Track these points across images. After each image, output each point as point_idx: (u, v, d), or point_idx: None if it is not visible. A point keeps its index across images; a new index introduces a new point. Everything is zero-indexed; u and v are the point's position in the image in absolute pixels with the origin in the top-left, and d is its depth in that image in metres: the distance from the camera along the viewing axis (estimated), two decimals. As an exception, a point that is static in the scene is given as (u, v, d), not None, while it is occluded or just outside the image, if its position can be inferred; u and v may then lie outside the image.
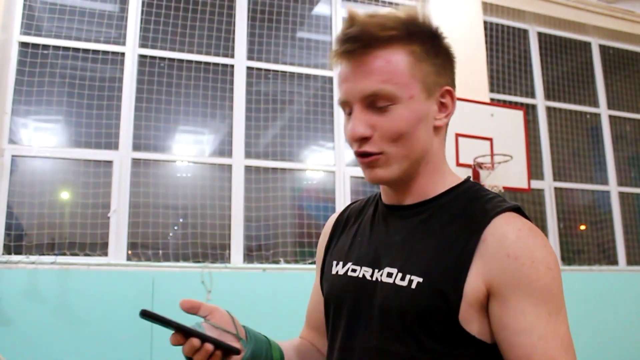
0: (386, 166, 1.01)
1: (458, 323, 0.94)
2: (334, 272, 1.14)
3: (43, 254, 4.41)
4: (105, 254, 4.60)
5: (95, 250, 4.59)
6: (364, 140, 1.00)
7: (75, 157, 4.70)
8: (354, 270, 1.09)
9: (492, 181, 5.29)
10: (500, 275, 0.93)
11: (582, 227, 6.25)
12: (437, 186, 1.07)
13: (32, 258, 4.26)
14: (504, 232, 0.97)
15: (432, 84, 1.03)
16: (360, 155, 1.02)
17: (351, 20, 1.01)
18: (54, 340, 4.10)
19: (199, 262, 4.64)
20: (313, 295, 1.29)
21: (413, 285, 0.97)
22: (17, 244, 4.46)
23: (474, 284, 0.94)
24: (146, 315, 0.90)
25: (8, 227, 4.47)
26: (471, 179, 1.12)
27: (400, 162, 1.01)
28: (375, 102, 0.99)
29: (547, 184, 6.07)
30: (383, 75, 0.98)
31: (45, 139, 4.76)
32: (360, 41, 0.99)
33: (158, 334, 4.29)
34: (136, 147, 4.84)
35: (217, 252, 4.85)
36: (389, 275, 1.02)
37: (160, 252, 4.74)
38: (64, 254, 4.49)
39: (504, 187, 5.34)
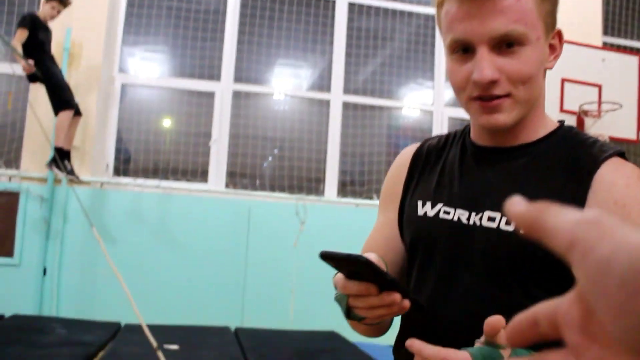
0: (510, 110, 0.95)
1: (568, 270, 0.92)
2: (420, 212, 1.08)
3: (148, 178, 4.67)
4: (205, 181, 4.81)
5: (196, 177, 4.81)
6: (491, 83, 0.94)
7: (179, 87, 4.88)
8: (446, 212, 1.04)
9: (598, 130, 5.04)
10: None
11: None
12: (539, 130, 1.03)
13: (139, 181, 4.53)
14: (613, 178, 0.93)
15: (550, 25, 0.98)
16: (485, 98, 0.95)
17: None
18: (156, 257, 4.38)
19: (294, 193, 4.77)
20: (380, 234, 1.16)
21: (522, 230, 0.95)
22: (125, 167, 4.75)
23: None
24: (326, 257, 0.75)
25: (117, 151, 4.76)
26: (571, 124, 1.06)
27: (523, 106, 0.97)
28: (503, 44, 0.93)
29: (658, 137, 5.71)
30: (515, 14, 0.92)
31: (151, 69, 4.97)
32: None
33: (252, 259, 4.49)
34: (237, 79, 4.95)
35: (312, 185, 4.95)
36: (491, 219, 0.98)
37: (257, 181, 4.90)
38: (167, 179, 4.74)
39: (610, 137, 5.08)
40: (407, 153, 1.18)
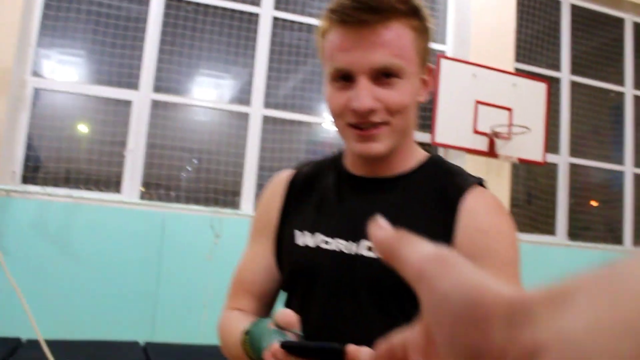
0: (385, 139, 1.01)
1: None
2: (300, 243, 1.10)
3: (58, 187, 4.51)
4: (119, 192, 4.69)
5: (109, 187, 4.68)
6: (369, 112, 0.99)
7: (96, 94, 4.75)
8: (326, 243, 1.07)
9: (508, 152, 5.27)
10: (470, 247, 0.99)
11: (594, 204, 6.23)
12: (411, 160, 1.10)
13: (48, 190, 4.36)
14: (475, 207, 1.03)
15: (423, 61, 1.06)
16: (361, 127, 1.00)
17: None
18: (61, 271, 4.22)
19: (209, 206, 4.72)
20: (255, 263, 1.17)
21: None
22: (34, 175, 4.56)
23: None
24: (286, 347, 0.77)
25: (27, 158, 4.57)
26: (437, 155, 1.15)
27: (398, 135, 1.03)
28: (382, 75, 0.99)
29: (563, 159, 6.04)
30: (395, 48, 0.98)
31: (67, 74, 4.81)
32: (378, 12, 0.97)
33: (165, 272, 4.41)
34: (157, 89, 4.87)
35: (228, 199, 4.92)
36: (370, 248, 1.03)
37: (173, 193, 4.82)
38: (79, 189, 4.58)
39: (518, 159, 5.33)
40: (281, 180, 1.20)
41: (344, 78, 1.01)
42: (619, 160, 6.36)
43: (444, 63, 5.18)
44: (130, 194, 4.69)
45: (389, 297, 1.01)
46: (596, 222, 6.21)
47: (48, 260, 4.19)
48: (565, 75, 6.16)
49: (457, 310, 0.26)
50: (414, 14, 1.02)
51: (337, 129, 1.07)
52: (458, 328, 0.26)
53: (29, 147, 4.60)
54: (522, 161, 5.43)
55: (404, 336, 0.35)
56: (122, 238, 4.37)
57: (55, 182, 4.57)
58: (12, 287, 3.00)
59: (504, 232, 1.00)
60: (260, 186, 4.99)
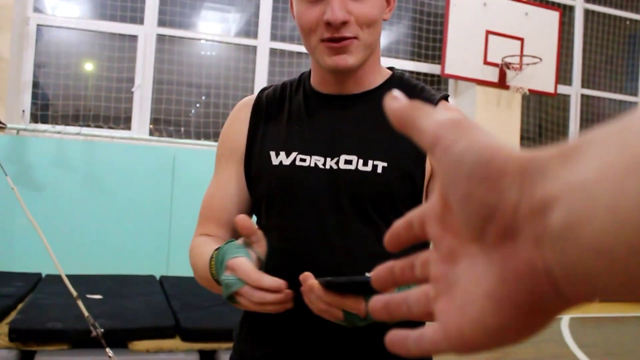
0: (356, 52, 1.02)
1: (422, 202, 1.02)
2: (275, 162, 1.09)
3: (68, 125, 4.51)
4: (129, 128, 4.69)
5: (119, 124, 4.68)
6: (342, 24, 1.00)
7: (100, 30, 4.68)
8: (302, 160, 1.07)
9: (519, 82, 5.21)
10: None
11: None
12: (377, 76, 1.12)
13: (58, 128, 4.36)
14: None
15: None
16: (335, 40, 1.01)
17: None
18: (80, 206, 4.28)
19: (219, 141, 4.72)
20: (222, 189, 1.15)
21: (379, 170, 1.03)
22: (43, 113, 4.55)
23: (428, 166, 1.04)
24: (330, 285, 0.79)
25: (34, 96, 4.55)
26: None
27: (366, 49, 1.04)
28: None
29: (575, 90, 5.96)
30: None
31: (70, 9, 4.72)
32: None
33: (177, 207, 4.46)
34: (161, 23, 4.79)
35: (238, 133, 4.91)
36: (348, 162, 1.04)
37: (182, 129, 4.82)
38: (89, 126, 4.58)
39: (529, 90, 5.26)
40: (245, 105, 1.18)
41: None
42: (633, 91, 6.27)
43: (454, -8, 5.05)
44: (140, 130, 4.69)
45: (370, 207, 1.04)
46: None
47: (63, 197, 4.24)
48: (579, 3, 5.99)
49: (471, 169, 0.27)
50: None
51: (307, 46, 1.06)
52: (472, 186, 0.27)
53: (36, 85, 4.57)
54: (533, 92, 5.37)
55: (420, 210, 0.35)
56: (134, 174, 4.39)
57: (65, 120, 4.57)
58: (29, 223, 3.05)
59: None
60: (269, 121, 4.97)
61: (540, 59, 5.16)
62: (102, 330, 2.60)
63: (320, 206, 1.05)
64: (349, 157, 1.05)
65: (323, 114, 1.10)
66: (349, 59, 1.02)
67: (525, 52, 5.23)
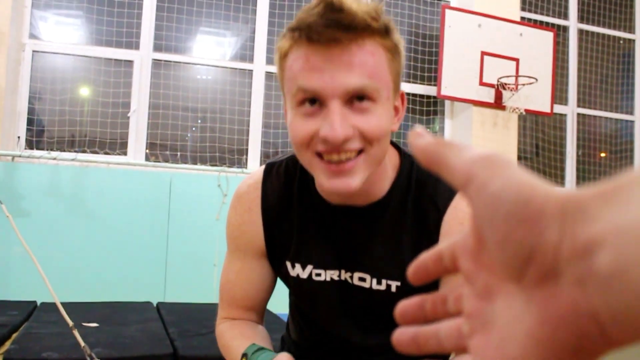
0: (359, 171, 0.90)
1: None
2: (293, 274, 1.08)
3: (64, 151, 4.48)
4: (125, 153, 4.67)
5: (115, 149, 4.65)
6: (343, 142, 0.87)
7: (96, 55, 4.68)
8: (318, 275, 1.06)
9: (515, 103, 5.21)
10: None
11: (603, 155, 6.19)
12: (384, 184, 1.03)
13: (54, 154, 4.33)
14: (454, 213, 1.00)
15: (397, 86, 0.97)
16: (334, 161, 0.89)
17: (337, 3, 0.86)
18: (75, 232, 4.24)
19: (216, 165, 4.70)
20: (244, 279, 1.13)
21: (393, 289, 1.00)
22: (38, 139, 4.53)
23: None
24: None
25: (30, 122, 4.53)
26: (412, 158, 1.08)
27: (373, 165, 0.93)
28: (355, 100, 0.88)
29: (571, 110, 5.97)
30: (369, 69, 0.87)
31: (65, 35, 4.73)
32: (351, 29, 0.85)
33: (174, 233, 4.42)
34: (157, 48, 4.79)
35: (235, 157, 4.90)
36: (362, 279, 1.03)
37: (179, 153, 4.80)
38: (84, 152, 4.56)
39: (525, 110, 5.27)
40: (253, 204, 1.12)
41: (311, 102, 0.89)
42: (629, 110, 6.29)
43: (448, 14, 5.07)
44: (136, 155, 4.66)
45: (388, 320, 1.02)
46: (605, 174, 6.18)
47: (58, 224, 4.20)
48: (572, 23, 6.04)
49: (509, 209, 0.26)
50: (386, 34, 0.91)
51: (301, 160, 0.95)
52: (511, 227, 0.26)
53: (32, 111, 4.55)
54: (530, 112, 5.38)
55: (453, 243, 0.35)
56: (131, 200, 4.36)
57: (60, 146, 4.54)
58: (24, 251, 3.01)
59: None
60: (265, 143, 4.96)
61: (536, 79, 5.18)
62: (99, 360, 2.55)
63: (339, 317, 1.07)
64: (362, 275, 1.03)
65: (333, 226, 1.05)
66: (352, 182, 0.90)
67: (520, 73, 5.25)
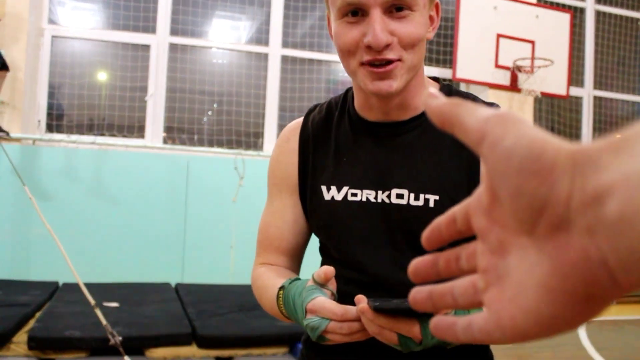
0: (400, 75, 0.97)
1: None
2: (327, 197, 1.08)
3: (83, 134, 4.55)
4: (142, 137, 4.73)
5: (133, 133, 4.72)
6: (385, 47, 0.94)
7: (114, 40, 4.73)
8: (354, 195, 1.06)
9: (530, 85, 5.19)
10: None
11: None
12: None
13: (73, 137, 4.41)
14: None
15: None
16: (377, 64, 0.96)
17: None
18: (95, 214, 4.32)
19: (232, 148, 4.75)
20: (279, 218, 1.16)
21: (431, 204, 1.00)
22: (58, 123, 4.60)
23: None
24: (379, 309, 0.79)
25: (50, 106, 4.60)
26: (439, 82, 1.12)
27: (410, 71, 0.99)
28: (394, 8, 0.95)
29: (587, 92, 5.93)
30: None
31: (83, 20, 4.77)
32: None
33: (192, 215, 4.48)
34: (173, 32, 4.83)
35: (251, 140, 4.94)
36: (399, 196, 1.02)
37: (195, 136, 4.85)
38: (103, 135, 4.63)
39: (541, 93, 5.25)
40: (292, 133, 1.17)
41: (354, 13, 0.96)
42: (646, 92, 6.23)
43: (464, -4, 5.05)
44: (154, 138, 4.72)
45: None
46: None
47: (79, 206, 4.28)
48: (589, 5, 5.97)
49: (521, 163, 0.27)
50: None
51: (347, 69, 1.01)
52: (523, 180, 0.27)
53: (51, 95, 4.62)
54: (545, 95, 5.35)
55: (464, 204, 0.36)
56: (149, 182, 4.43)
57: (79, 129, 4.61)
58: (45, 233, 3.08)
59: None
60: (281, 126, 4.99)
61: (552, 62, 5.15)
62: (121, 338, 2.62)
63: (374, 241, 1.05)
64: (400, 191, 1.03)
65: (371, 145, 1.07)
66: (393, 84, 0.97)
67: (536, 55, 5.22)
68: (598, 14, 6.02)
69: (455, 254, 0.37)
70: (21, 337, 2.93)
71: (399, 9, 0.95)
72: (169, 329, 3.08)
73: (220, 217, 4.47)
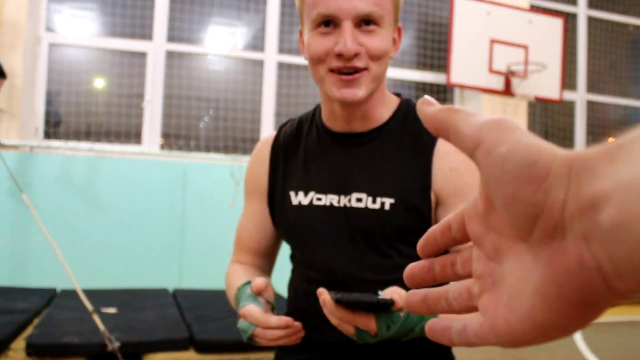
0: (365, 84, 1.05)
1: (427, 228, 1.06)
2: (295, 202, 1.17)
3: (80, 141, 4.57)
4: (139, 143, 4.75)
5: (130, 139, 4.74)
6: (354, 56, 1.03)
7: (111, 47, 4.76)
8: (319, 199, 1.14)
9: (524, 90, 5.24)
10: (445, 187, 1.08)
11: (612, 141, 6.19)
12: (384, 112, 1.15)
13: (70, 144, 4.43)
14: (447, 149, 1.10)
15: (396, 20, 1.11)
16: (345, 72, 1.03)
17: None
18: (92, 221, 4.33)
19: (229, 154, 4.78)
20: (250, 221, 1.27)
21: (386, 207, 1.08)
22: (55, 130, 4.63)
23: (433, 197, 1.08)
24: (338, 301, 0.82)
25: (47, 113, 4.62)
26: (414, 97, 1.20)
27: (375, 82, 1.07)
28: (363, 23, 1.03)
29: (580, 96, 5.98)
30: None
31: (81, 28, 4.80)
32: None
33: (189, 221, 4.50)
34: (170, 39, 4.86)
35: (247, 146, 4.97)
36: (359, 200, 1.10)
37: (192, 142, 4.88)
38: (100, 142, 4.65)
39: (535, 97, 5.29)
40: (265, 144, 1.26)
41: (327, 24, 1.04)
42: (639, 96, 6.28)
43: (457, 1, 5.09)
44: (151, 145, 4.75)
45: (382, 241, 1.10)
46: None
47: (76, 212, 4.30)
48: (582, 10, 6.03)
49: (517, 169, 0.27)
50: None
51: (315, 77, 1.09)
52: (519, 186, 0.27)
53: (49, 102, 4.65)
54: (539, 99, 5.40)
55: (459, 212, 0.36)
56: (146, 189, 4.45)
57: (77, 136, 4.64)
58: (42, 239, 3.10)
59: (473, 168, 1.06)
60: (277, 133, 5.03)
61: (545, 66, 5.20)
62: (119, 343, 2.64)
63: (336, 242, 1.13)
64: (359, 195, 1.10)
65: (335, 153, 1.15)
66: (358, 92, 1.04)
67: (529, 60, 5.27)
68: (590, 19, 6.07)
69: (451, 260, 0.37)
70: (19, 343, 2.94)
71: (367, 22, 1.04)
72: (167, 334, 3.09)
73: (218, 223, 4.49)
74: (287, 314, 1.22)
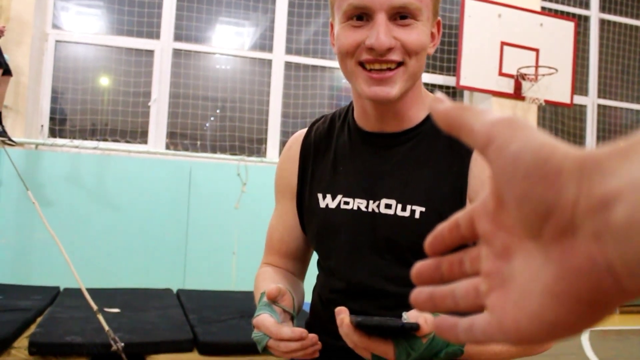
0: (399, 82, 0.97)
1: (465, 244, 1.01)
2: (322, 205, 1.11)
3: (86, 139, 4.55)
4: (145, 142, 4.72)
5: (136, 138, 4.71)
6: (387, 50, 0.95)
7: (117, 45, 4.73)
8: (346, 203, 1.08)
9: (534, 93, 5.19)
10: (482, 195, 0.99)
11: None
12: (420, 112, 1.07)
13: (76, 142, 4.40)
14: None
15: (435, 12, 1.03)
16: (378, 69, 0.96)
17: None
18: (97, 219, 4.31)
19: (235, 154, 4.74)
20: (281, 222, 1.21)
21: (416, 215, 1.02)
22: (61, 128, 4.60)
23: (468, 207, 0.99)
24: (360, 326, 0.78)
25: (53, 111, 4.60)
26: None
27: (411, 79, 1.00)
28: (399, 15, 0.96)
29: (591, 100, 5.92)
30: None
31: (87, 25, 4.78)
32: None
33: (194, 221, 4.47)
34: (177, 38, 4.83)
35: (254, 146, 4.94)
36: (388, 206, 1.04)
37: (198, 142, 4.84)
38: (105, 140, 4.62)
39: (545, 101, 5.24)
40: (295, 143, 1.20)
41: (359, 18, 0.97)
42: (650, 101, 6.22)
43: (468, 3, 5.05)
44: (156, 144, 4.72)
45: (408, 252, 1.03)
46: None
47: (80, 210, 4.27)
48: (594, 13, 5.97)
49: (528, 168, 0.27)
50: None
51: (344, 72, 1.02)
52: (530, 184, 0.27)
53: (55, 100, 4.62)
54: (549, 103, 5.35)
55: (468, 210, 0.35)
56: (151, 188, 4.42)
57: (82, 134, 4.61)
58: (46, 238, 3.08)
59: None
60: (284, 133, 4.99)
61: (556, 70, 5.14)
62: (123, 344, 2.61)
63: (360, 250, 1.06)
64: (388, 202, 1.04)
65: (366, 155, 1.09)
66: (391, 90, 0.97)
67: (540, 63, 5.22)
68: (602, 22, 6.02)
69: (459, 258, 0.37)
70: (22, 342, 2.91)
71: (404, 17, 0.96)
72: (171, 335, 3.06)
73: (223, 224, 4.45)
74: (308, 320, 1.17)
